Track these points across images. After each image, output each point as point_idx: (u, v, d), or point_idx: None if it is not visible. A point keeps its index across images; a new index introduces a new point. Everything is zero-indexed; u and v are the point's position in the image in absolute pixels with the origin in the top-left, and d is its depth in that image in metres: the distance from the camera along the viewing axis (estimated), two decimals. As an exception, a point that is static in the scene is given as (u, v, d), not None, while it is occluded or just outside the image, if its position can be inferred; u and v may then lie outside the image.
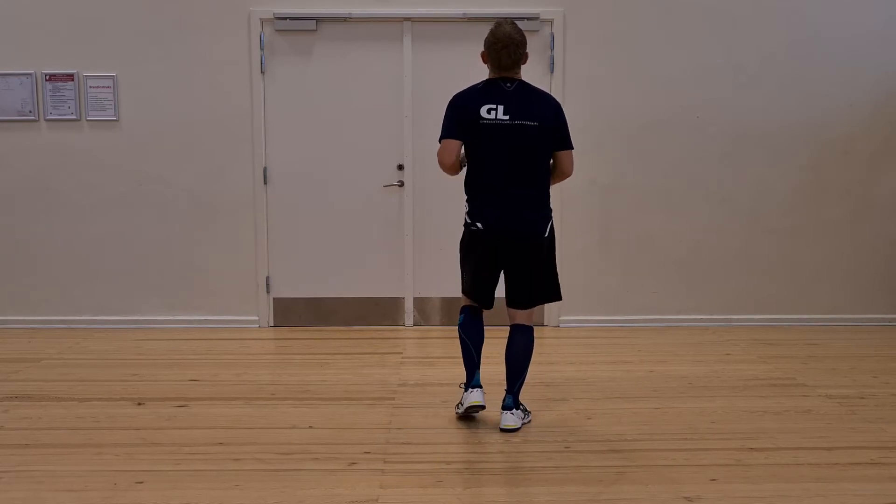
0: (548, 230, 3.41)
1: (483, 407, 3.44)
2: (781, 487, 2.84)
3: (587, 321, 5.40)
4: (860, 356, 4.65)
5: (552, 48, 5.21)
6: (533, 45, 5.20)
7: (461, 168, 3.44)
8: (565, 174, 3.48)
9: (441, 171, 3.43)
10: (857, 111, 5.29)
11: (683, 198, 5.34)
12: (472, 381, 3.48)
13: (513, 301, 3.45)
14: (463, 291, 3.55)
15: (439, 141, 3.38)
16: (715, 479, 2.91)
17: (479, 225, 3.36)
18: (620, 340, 5.03)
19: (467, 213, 3.41)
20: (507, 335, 3.47)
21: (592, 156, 5.28)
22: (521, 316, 3.45)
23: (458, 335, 3.53)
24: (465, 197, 3.43)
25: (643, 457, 3.12)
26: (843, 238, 5.39)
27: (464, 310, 3.52)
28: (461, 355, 3.54)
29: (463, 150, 3.40)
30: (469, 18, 5.11)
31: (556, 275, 3.55)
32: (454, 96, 3.39)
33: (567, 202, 5.32)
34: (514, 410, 3.42)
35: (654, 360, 4.57)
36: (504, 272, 3.44)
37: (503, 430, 3.38)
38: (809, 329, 5.31)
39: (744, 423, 3.50)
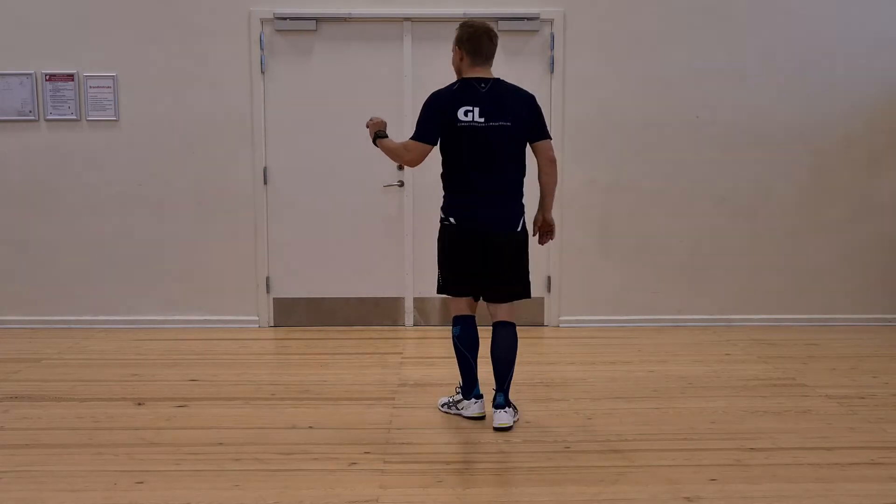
0: (520, 225, 3.44)
1: (483, 417, 3.50)
2: (781, 487, 2.84)
3: (587, 321, 5.41)
4: (860, 356, 4.65)
5: (552, 48, 5.21)
6: (533, 45, 5.23)
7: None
8: (551, 161, 3.47)
9: (402, 162, 3.52)
10: (857, 111, 5.29)
11: (683, 198, 5.34)
12: (475, 391, 3.54)
13: (490, 296, 3.47)
14: (443, 290, 3.53)
15: (412, 138, 3.39)
16: (715, 479, 2.91)
17: (451, 220, 3.42)
18: (620, 340, 5.03)
19: (442, 207, 3.48)
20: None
21: (592, 155, 5.29)
22: (503, 312, 3.46)
23: (455, 348, 3.52)
24: (446, 202, 3.47)
25: (643, 457, 3.12)
26: (843, 238, 5.39)
27: (458, 320, 3.51)
28: (459, 367, 3.55)
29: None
30: (469, 18, 5.10)
31: (528, 272, 3.52)
32: (431, 96, 3.41)
33: (567, 202, 5.32)
34: (506, 409, 3.43)
35: (654, 360, 4.57)
36: (481, 269, 3.42)
37: (497, 430, 3.38)
38: (809, 329, 5.31)
39: (744, 423, 3.50)
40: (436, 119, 3.35)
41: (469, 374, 3.52)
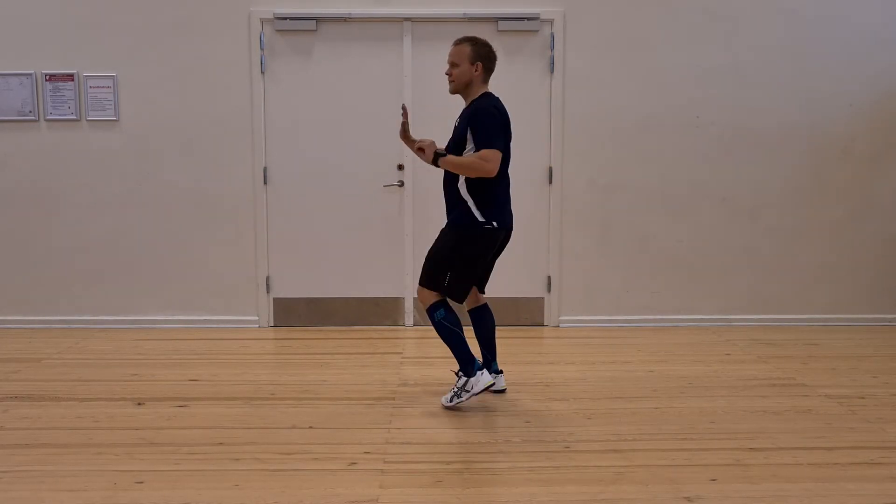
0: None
1: (495, 384, 3.73)
2: (781, 487, 2.84)
3: (587, 321, 5.41)
4: (860, 356, 4.65)
5: (552, 48, 5.21)
6: (533, 45, 5.23)
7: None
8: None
9: (482, 173, 3.50)
10: (857, 111, 5.29)
11: (683, 198, 5.34)
12: (476, 364, 3.65)
13: (482, 285, 3.88)
14: (454, 295, 3.63)
15: (493, 148, 3.44)
16: (715, 479, 2.91)
17: (494, 224, 3.57)
18: (620, 340, 5.03)
19: (488, 215, 3.55)
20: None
21: (592, 155, 5.29)
22: (482, 296, 3.89)
23: (444, 329, 3.62)
24: (488, 206, 3.54)
25: (643, 457, 3.12)
26: (843, 238, 5.39)
27: (441, 305, 3.64)
28: (453, 348, 3.62)
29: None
30: (469, 18, 5.12)
31: None
32: (495, 108, 3.52)
33: (567, 202, 5.32)
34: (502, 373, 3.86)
35: (654, 360, 4.57)
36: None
37: (499, 392, 3.85)
38: (809, 329, 5.31)
39: (744, 423, 3.50)
40: (504, 130, 3.54)
41: (465, 350, 3.62)
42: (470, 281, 3.62)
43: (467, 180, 3.53)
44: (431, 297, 3.64)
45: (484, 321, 3.82)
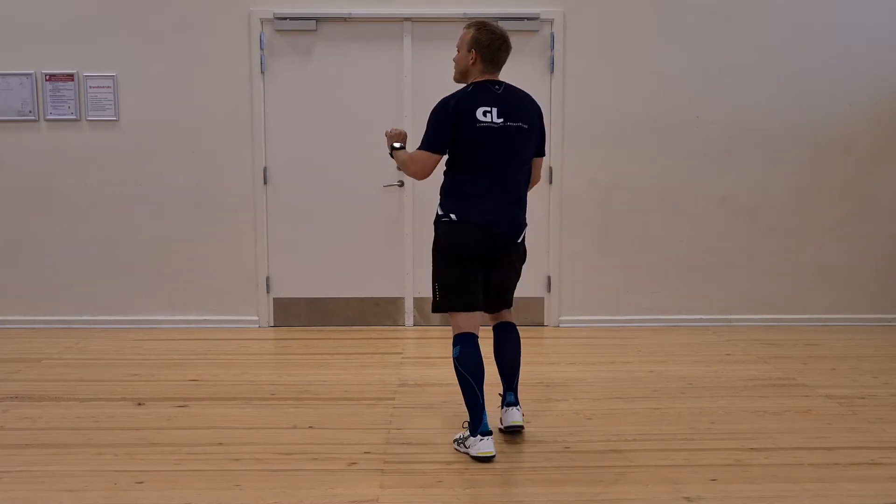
0: (522, 236, 3.29)
1: (493, 458, 3.07)
2: (781, 487, 2.84)
3: (587, 321, 5.41)
4: (860, 356, 4.65)
5: (552, 48, 5.21)
6: (533, 45, 5.23)
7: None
8: (535, 181, 3.39)
9: (408, 174, 3.32)
10: (857, 111, 5.29)
11: (683, 198, 5.34)
12: (482, 427, 3.08)
13: (501, 301, 3.35)
14: (447, 307, 3.19)
15: (420, 148, 3.20)
16: (715, 479, 2.91)
17: (452, 216, 3.17)
18: (620, 340, 5.03)
19: (448, 211, 3.19)
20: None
21: (592, 155, 5.29)
22: (507, 313, 3.41)
23: (457, 372, 3.13)
24: (448, 199, 3.21)
25: (643, 457, 3.12)
26: (843, 238, 5.39)
27: (459, 339, 3.14)
28: (463, 395, 3.13)
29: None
30: (469, 18, 5.10)
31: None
32: (443, 102, 3.20)
33: (567, 202, 5.32)
34: (518, 406, 3.32)
35: (654, 360, 4.57)
36: (487, 273, 3.24)
37: (510, 428, 3.27)
38: (809, 329, 5.31)
39: (744, 423, 3.50)
40: (450, 123, 3.14)
41: (474, 404, 3.09)
42: (463, 288, 3.16)
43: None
44: (452, 324, 3.20)
45: (499, 343, 3.35)
